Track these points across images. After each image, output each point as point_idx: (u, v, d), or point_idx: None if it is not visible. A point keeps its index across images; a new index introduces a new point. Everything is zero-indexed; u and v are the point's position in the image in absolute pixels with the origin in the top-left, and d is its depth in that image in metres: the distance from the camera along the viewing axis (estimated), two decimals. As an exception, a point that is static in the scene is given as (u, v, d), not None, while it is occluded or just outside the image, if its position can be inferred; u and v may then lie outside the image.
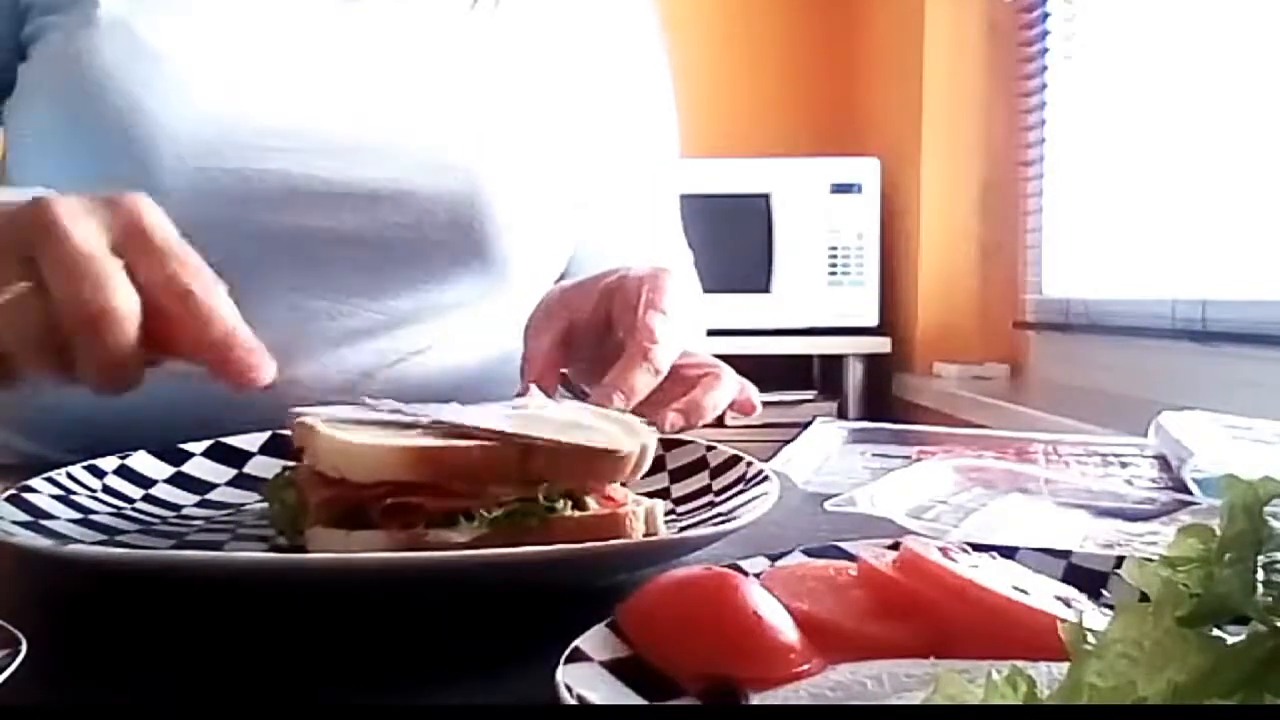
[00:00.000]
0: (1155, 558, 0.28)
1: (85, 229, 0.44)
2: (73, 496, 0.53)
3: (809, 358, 2.47)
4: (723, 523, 0.48)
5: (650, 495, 0.52)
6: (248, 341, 0.46)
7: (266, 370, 0.47)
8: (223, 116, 0.69)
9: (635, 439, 0.49)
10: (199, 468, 0.61)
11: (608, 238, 0.89)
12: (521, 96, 0.80)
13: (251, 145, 0.70)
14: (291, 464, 0.53)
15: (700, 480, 0.58)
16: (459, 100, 0.77)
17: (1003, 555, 0.41)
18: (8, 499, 0.49)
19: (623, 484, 0.50)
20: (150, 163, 0.67)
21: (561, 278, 0.85)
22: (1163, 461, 0.74)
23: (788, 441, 0.81)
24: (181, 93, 0.68)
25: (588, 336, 0.66)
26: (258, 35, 0.73)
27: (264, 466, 0.60)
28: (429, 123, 0.75)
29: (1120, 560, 0.41)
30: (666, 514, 0.53)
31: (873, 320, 2.33)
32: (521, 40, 0.82)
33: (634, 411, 0.58)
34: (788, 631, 0.34)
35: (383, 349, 0.78)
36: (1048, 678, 0.29)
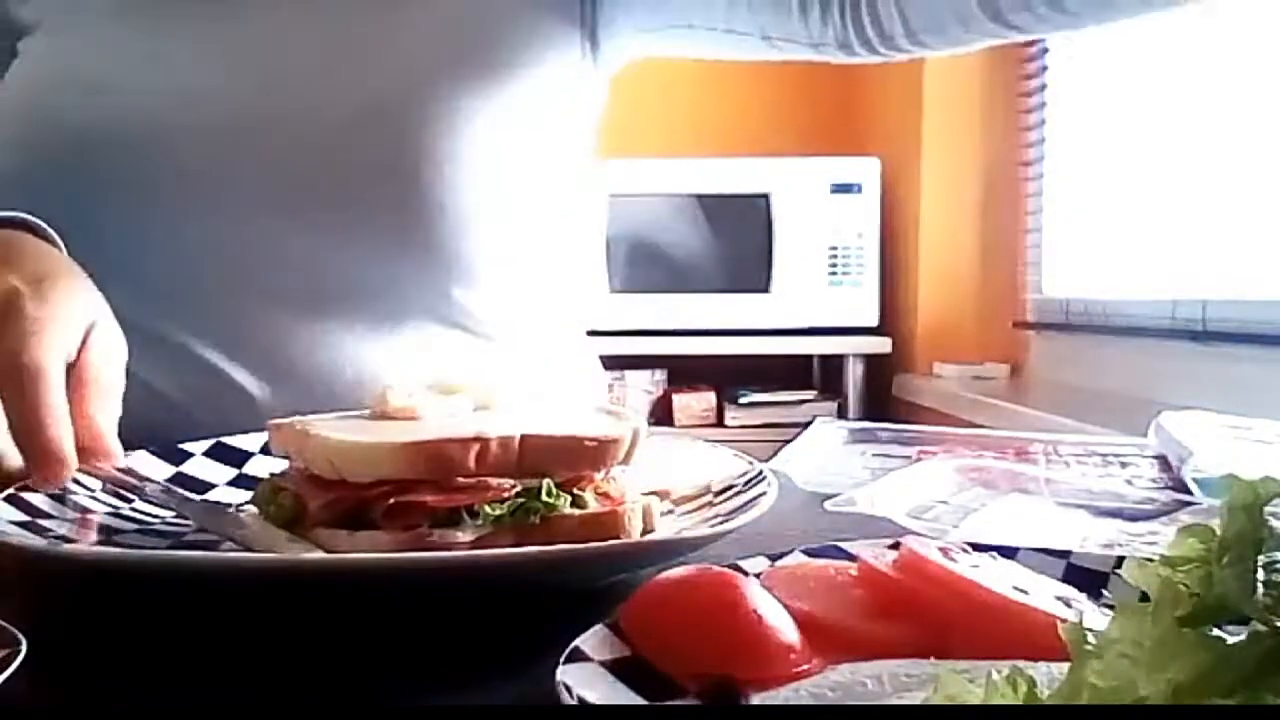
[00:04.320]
0: (1155, 558, 0.28)
1: None
2: (71, 496, 0.53)
3: (809, 358, 2.46)
4: (722, 523, 0.48)
5: (649, 495, 0.53)
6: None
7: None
8: (140, 114, 0.69)
9: (624, 424, 0.50)
10: (199, 468, 0.61)
11: None
12: (458, 74, 0.75)
13: (171, 143, 0.69)
14: (278, 470, 0.53)
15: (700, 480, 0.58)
16: (381, 83, 0.73)
17: (1003, 555, 0.41)
18: (6, 499, 0.49)
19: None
20: (69, 161, 0.68)
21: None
22: (1163, 461, 0.74)
23: (788, 441, 0.80)
24: (97, 89, 0.69)
25: None
26: (171, 28, 0.73)
27: (264, 466, 0.60)
28: (348, 110, 0.72)
29: (1120, 560, 0.41)
30: (665, 514, 0.53)
31: (873, 320, 2.33)
32: (455, 22, 0.78)
33: None
34: (788, 631, 0.34)
35: (315, 329, 0.73)
36: (1048, 678, 0.29)
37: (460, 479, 0.46)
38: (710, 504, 0.55)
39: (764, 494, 0.51)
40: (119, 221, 0.70)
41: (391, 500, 0.45)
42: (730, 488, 0.55)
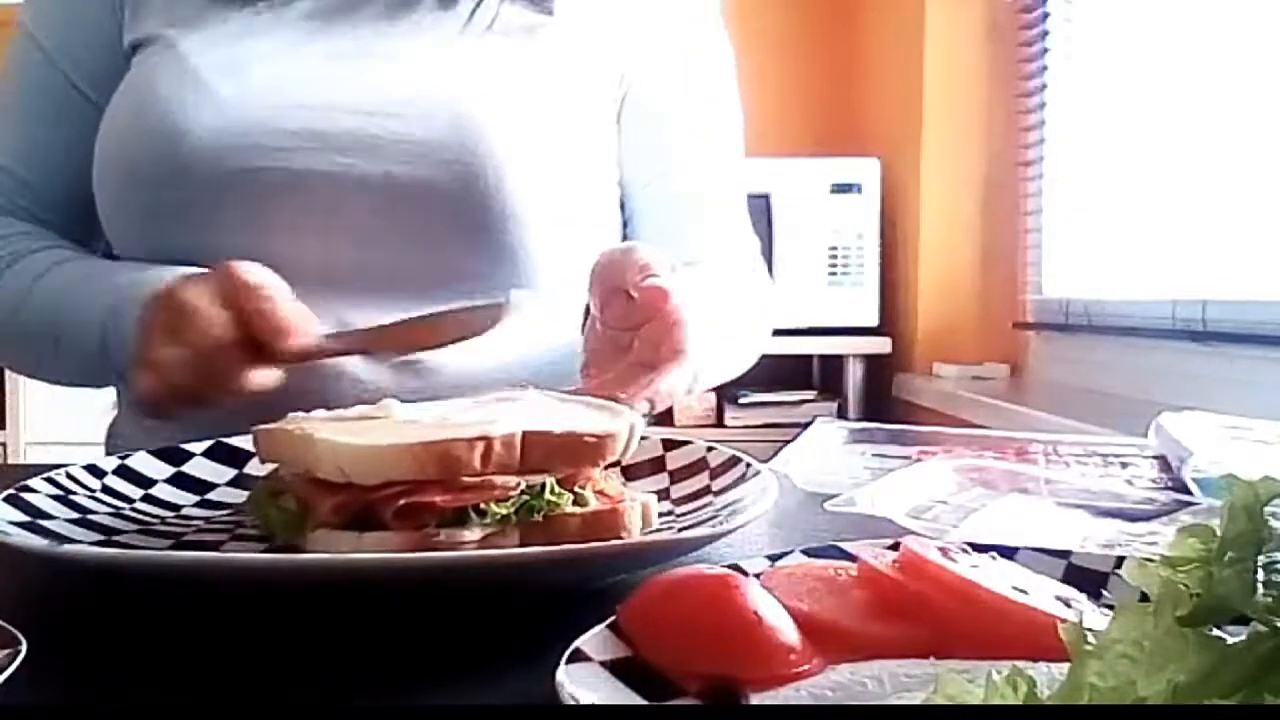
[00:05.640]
0: (1155, 558, 0.28)
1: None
2: (72, 496, 0.53)
3: (809, 358, 2.46)
4: (723, 523, 0.48)
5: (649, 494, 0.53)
6: None
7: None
8: (242, 124, 0.77)
9: (621, 420, 0.50)
10: (199, 468, 0.61)
11: (661, 227, 0.91)
12: (524, 94, 0.82)
13: (268, 147, 0.77)
14: (264, 475, 0.53)
15: (700, 480, 0.58)
16: (456, 98, 0.80)
17: (1003, 555, 0.41)
18: (6, 499, 0.49)
19: (624, 481, 0.51)
20: (183, 166, 0.76)
21: None
22: (1163, 462, 0.74)
23: (788, 441, 0.80)
24: (209, 105, 0.77)
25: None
26: (275, 52, 0.81)
27: (264, 467, 0.60)
28: (427, 121, 0.79)
29: (1120, 560, 0.41)
30: (665, 514, 0.53)
31: (873, 320, 2.32)
32: (526, 44, 0.85)
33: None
34: (788, 631, 0.34)
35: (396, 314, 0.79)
36: (1048, 678, 0.29)
37: (466, 479, 0.46)
38: (711, 504, 0.55)
39: (764, 494, 0.51)
40: (230, 222, 0.77)
41: (402, 501, 0.45)
42: (730, 488, 0.55)
